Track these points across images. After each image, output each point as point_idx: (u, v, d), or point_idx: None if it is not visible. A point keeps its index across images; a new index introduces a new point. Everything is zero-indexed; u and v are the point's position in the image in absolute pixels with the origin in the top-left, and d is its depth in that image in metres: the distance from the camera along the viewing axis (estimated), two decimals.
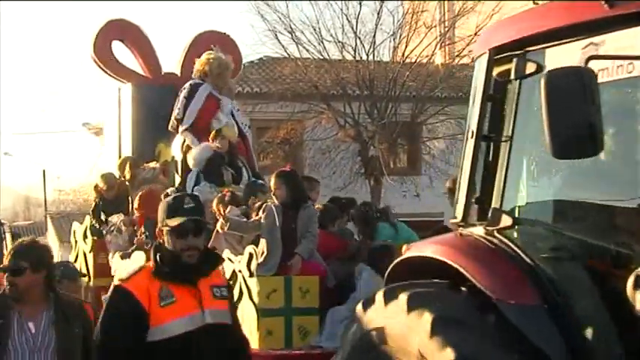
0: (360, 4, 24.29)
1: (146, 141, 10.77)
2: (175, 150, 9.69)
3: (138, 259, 8.22)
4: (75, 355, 5.19)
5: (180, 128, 9.50)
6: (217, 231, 7.93)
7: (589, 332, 4.07)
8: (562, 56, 4.18)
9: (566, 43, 4.16)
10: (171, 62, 11.62)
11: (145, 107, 10.94)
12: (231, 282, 6.28)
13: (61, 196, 48.09)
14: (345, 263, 7.79)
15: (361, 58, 24.47)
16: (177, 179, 9.54)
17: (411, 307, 4.32)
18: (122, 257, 8.95)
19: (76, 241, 10.44)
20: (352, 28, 24.41)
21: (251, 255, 7.27)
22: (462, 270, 4.37)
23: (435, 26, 25.45)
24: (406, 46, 24.84)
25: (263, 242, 7.44)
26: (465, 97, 24.67)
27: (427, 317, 4.19)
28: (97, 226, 10.11)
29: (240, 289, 7.42)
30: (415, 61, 24.52)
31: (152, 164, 10.11)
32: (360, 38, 24.46)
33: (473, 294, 4.31)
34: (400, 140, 25.93)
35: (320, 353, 7.02)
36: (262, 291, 7.24)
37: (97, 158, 30.07)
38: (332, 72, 24.30)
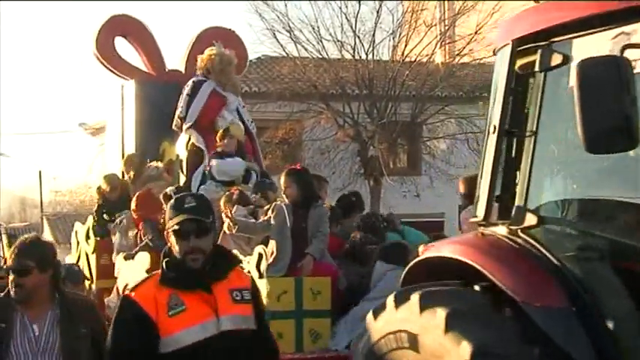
0: (360, 2, 24.26)
1: (150, 139, 10.55)
2: (180, 148, 9.50)
3: (142, 260, 8.06)
4: (80, 356, 4.91)
5: (184, 126, 9.32)
6: (224, 232, 7.74)
7: (618, 335, 3.90)
8: (590, 47, 3.99)
9: (596, 32, 3.97)
10: (175, 59, 11.48)
11: (148, 105, 10.72)
12: None
13: (58, 197, 48.01)
14: (356, 264, 7.62)
15: (360, 57, 24.42)
16: (182, 178, 9.36)
17: (424, 306, 4.19)
18: (125, 258, 8.77)
19: (78, 242, 10.25)
20: (351, 27, 24.36)
21: (260, 255, 7.07)
22: (483, 271, 4.20)
23: (435, 25, 25.38)
24: (406, 45, 24.78)
25: (273, 242, 7.25)
26: (465, 97, 24.83)
27: (440, 314, 4.06)
28: (100, 227, 9.95)
29: None
30: (415, 60, 24.47)
31: (154, 163, 9.94)
32: (359, 37, 24.41)
33: (487, 290, 4.17)
34: (400, 140, 25.86)
35: (332, 357, 6.87)
36: (272, 293, 7.02)
37: (93, 159, 29.95)
38: (331, 71, 24.24)
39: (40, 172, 43.06)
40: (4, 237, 24.14)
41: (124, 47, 11.32)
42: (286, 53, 24.75)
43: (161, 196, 8.65)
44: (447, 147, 25.29)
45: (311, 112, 24.63)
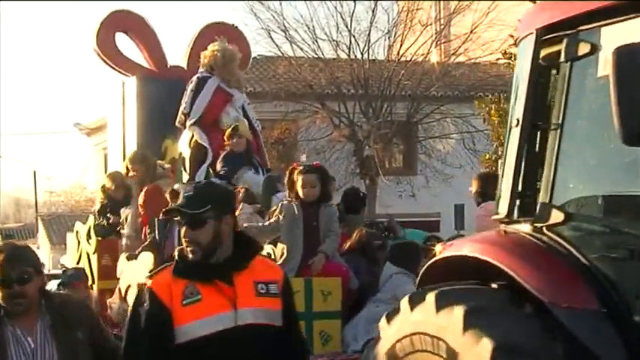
0: (355, 2, 24.31)
1: (152, 137, 10.28)
2: (183, 146, 9.30)
3: (145, 260, 7.86)
4: None
5: (188, 123, 9.13)
6: None
7: None
8: (620, 35, 3.80)
9: (628, 20, 3.79)
10: (177, 55, 11.29)
11: (150, 102, 10.47)
12: None
13: (52, 198, 47.94)
14: (365, 260, 7.45)
15: (356, 56, 24.47)
16: (185, 177, 9.16)
17: (440, 305, 4.02)
18: (128, 258, 8.57)
19: (78, 242, 10.03)
20: (347, 27, 24.41)
21: (269, 255, 6.88)
22: (507, 270, 4.02)
23: (431, 24, 25.41)
24: (401, 45, 24.81)
25: (283, 242, 7.04)
26: (461, 96, 24.76)
27: (458, 312, 3.89)
28: (102, 227, 9.75)
29: None
30: (410, 60, 24.51)
31: (158, 162, 9.77)
32: (354, 37, 24.47)
33: (505, 287, 4.01)
34: (395, 140, 25.88)
35: None
36: None
37: (88, 159, 29.87)
38: (326, 71, 24.25)
39: (34, 172, 43.03)
40: None
41: (125, 43, 11.14)
42: (281, 53, 24.75)
43: (168, 193, 8.45)
44: (443, 146, 25.21)
45: (306, 111, 24.63)
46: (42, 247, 35.64)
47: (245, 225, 7.20)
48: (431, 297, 4.12)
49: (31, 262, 4.55)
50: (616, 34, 3.83)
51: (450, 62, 25.36)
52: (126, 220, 9.32)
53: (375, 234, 7.80)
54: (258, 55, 25.88)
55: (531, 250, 4.11)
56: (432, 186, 24.80)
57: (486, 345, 3.71)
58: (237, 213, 7.48)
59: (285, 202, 7.18)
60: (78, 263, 9.71)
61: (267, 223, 7.27)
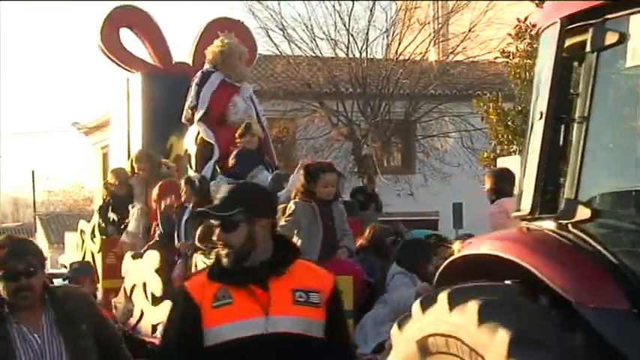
0: (353, 1, 24.36)
1: (157, 134, 10.22)
2: (189, 143, 9.15)
3: (151, 259, 7.73)
4: (87, 356, 4.44)
5: (195, 117, 8.98)
6: None
7: None
8: None
9: None
10: (182, 51, 11.18)
11: (155, 98, 10.39)
12: None
13: (51, 197, 47.88)
14: (379, 257, 7.33)
15: (354, 55, 24.47)
16: (191, 173, 9.01)
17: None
18: (134, 257, 8.43)
19: (83, 241, 9.88)
20: (345, 26, 24.43)
21: None
22: (532, 269, 3.86)
23: (429, 23, 25.42)
24: (399, 44, 24.81)
25: (298, 242, 6.87)
26: (459, 95, 24.67)
27: (471, 307, 3.75)
28: (105, 225, 9.61)
29: None
30: (408, 59, 24.52)
31: (164, 161, 9.67)
32: (352, 35, 24.50)
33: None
34: (394, 138, 25.85)
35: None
36: None
37: (86, 158, 29.76)
38: (324, 70, 24.23)
39: (32, 171, 42.85)
40: None
41: (129, 39, 11.01)
42: (280, 52, 24.73)
43: (183, 184, 8.33)
44: (441, 145, 25.15)
45: (305, 110, 24.59)
46: (41, 247, 35.55)
47: None
48: (443, 296, 3.99)
49: (36, 255, 4.43)
50: None
51: (448, 61, 25.38)
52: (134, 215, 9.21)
53: (388, 230, 7.68)
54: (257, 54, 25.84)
55: (556, 247, 3.95)
56: (430, 184, 24.73)
57: (503, 337, 3.56)
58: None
59: (297, 201, 7.01)
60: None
61: (282, 222, 7.09)
